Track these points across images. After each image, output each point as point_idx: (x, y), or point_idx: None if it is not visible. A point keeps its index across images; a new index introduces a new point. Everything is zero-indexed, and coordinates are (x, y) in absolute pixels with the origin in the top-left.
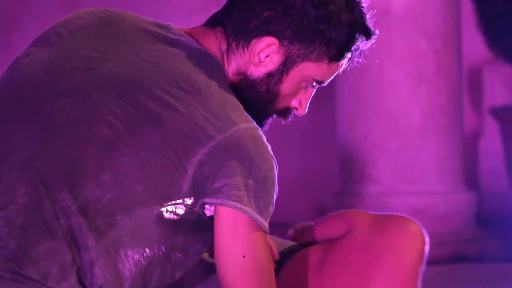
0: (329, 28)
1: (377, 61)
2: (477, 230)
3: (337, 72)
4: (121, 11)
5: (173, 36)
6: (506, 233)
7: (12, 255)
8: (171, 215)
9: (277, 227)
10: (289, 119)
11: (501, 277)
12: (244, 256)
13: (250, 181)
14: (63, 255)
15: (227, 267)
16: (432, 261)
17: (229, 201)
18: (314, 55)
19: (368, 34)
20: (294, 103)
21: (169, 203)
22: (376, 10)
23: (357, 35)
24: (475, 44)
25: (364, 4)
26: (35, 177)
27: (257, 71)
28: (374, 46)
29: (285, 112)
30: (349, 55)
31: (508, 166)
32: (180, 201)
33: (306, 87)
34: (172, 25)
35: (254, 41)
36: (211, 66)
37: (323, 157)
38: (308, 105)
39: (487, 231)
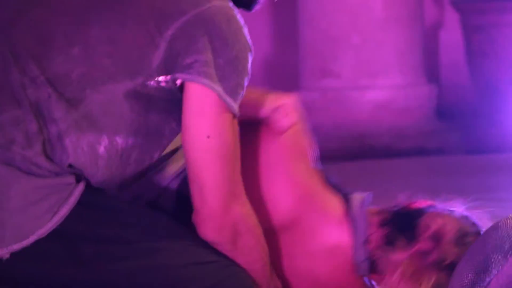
0: None
1: None
2: (437, 123)
3: None
4: None
5: None
6: (466, 125)
7: None
8: (143, 90)
9: (239, 123)
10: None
11: (461, 168)
12: (208, 136)
13: (220, 60)
14: (29, 123)
15: (191, 145)
16: (393, 154)
17: (198, 77)
18: None
19: None
20: None
21: (139, 78)
22: None
23: None
24: None
25: None
26: (5, 46)
27: None
28: None
29: None
30: None
31: (468, 59)
32: (151, 76)
33: None
34: None
35: None
36: None
37: (285, 53)
38: None
39: (447, 124)
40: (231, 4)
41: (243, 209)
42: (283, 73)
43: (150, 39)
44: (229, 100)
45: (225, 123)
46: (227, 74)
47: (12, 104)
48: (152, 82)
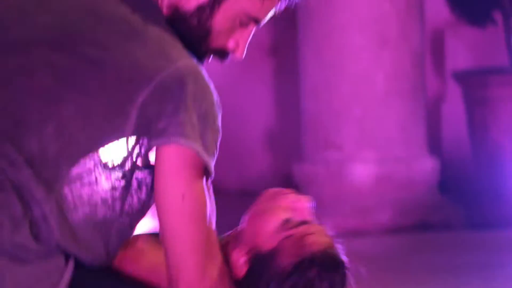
0: None
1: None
2: (440, 197)
3: (272, 10)
4: None
5: None
6: (469, 199)
7: None
8: (118, 162)
9: (245, 195)
10: (226, 60)
11: (464, 244)
12: (183, 196)
13: (193, 118)
14: (13, 207)
15: (166, 208)
16: (396, 229)
17: (176, 138)
18: None
19: None
20: (231, 43)
21: (114, 150)
22: None
23: None
24: (438, 7)
25: None
26: None
27: (188, 4)
28: (336, 12)
29: (222, 53)
30: None
31: (471, 132)
32: (125, 147)
33: (241, 26)
34: None
35: None
36: (147, 6)
37: (287, 125)
38: (246, 47)
39: (450, 198)
40: (194, 62)
41: (221, 271)
42: (286, 145)
43: (121, 109)
44: (206, 157)
45: (201, 183)
46: (202, 130)
47: None
48: (127, 153)
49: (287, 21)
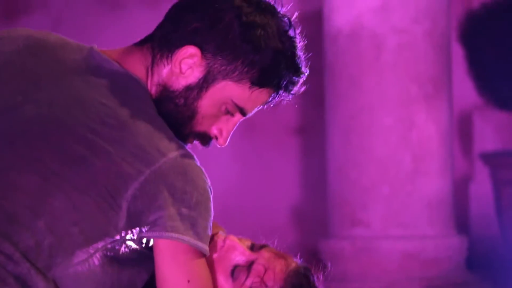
0: (253, 49)
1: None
2: (467, 274)
3: (260, 104)
4: (42, 36)
5: (95, 62)
6: (497, 277)
7: None
8: (112, 252)
9: None
10: (207, 146)
11: None
12: (189, 281)
13: (184, 210)
14: None
15: None
16: None
17: (166, 233)
18: (235, 74)
19: (296, 69)
20: (214, 130)
21: (108, 241)
22: (367, 57)
23: (282, 64)
24: (466, 90)
25: (298, 43)
26: None
27: (177, 83)
28: (365, 92)
29: (204, 137)
30: (274, 85)
31: (498, 211)
32: (118, 237)
33: (227, 113)
34: (95, 47)
35: (177, 50)
36: (135, 93)
37: (314, 201)
38: (229, 136)
39: (478, 276)
40: (184, 151)
41: None
42: (312, 221)
43: (112, 202)
44: (200, 245)
45: (200, 265)
46: (193, 221)
47: None
48: (120, 242)
49: (315, 100)
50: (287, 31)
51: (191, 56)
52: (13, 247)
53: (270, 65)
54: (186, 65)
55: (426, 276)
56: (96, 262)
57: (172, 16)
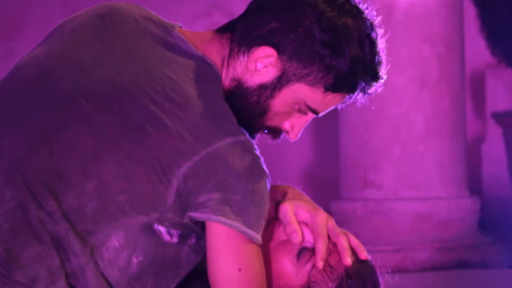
0: (331, 55)
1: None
2: (480, 236)
3: (334, 106)
4: (126, 7)
5: (173, 40)
6: (509, 239)
7: (1, 260)
8: (158, 225)
9: None
10: (277, 139)
11: (504, 283)
12: (240, 269)
13: (236, 196)
14: (51, 259)
15: (222, 281)
16: (435, 267)
17: (214, 216)
18: (310, 78)
19: (374, 75)
20: (286, 125)
21: (154, 214)
22: (379, 17)
23: (360, 72)
24: (478, 49)
25: (379, 47)
26: (21, 182)
27: (252, 80)
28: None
29: (275, 131)
30: (349, 90)
31: (511, 171)
32: (166, 212)
33: (300, 112)
34: (177, 26)
35: (255, 48)
36: (206, 74)
37: (325, 163)
38: (300, 132)
39: (490, 237)
40: (244, 137)
41: None
42: (324, 183)
43: (163, 177)
44: (250, 232)
45: (252, 253)
46: (245, 208)
47: (32, 240)
48: (167, 218)
49: None
50: (369, 34)
51: (267, 56)
52: (56, 205)
53: (346, 72)
54: (261, 64)
55: (438, 238)
56: (139, 230)
57: (254, 10)
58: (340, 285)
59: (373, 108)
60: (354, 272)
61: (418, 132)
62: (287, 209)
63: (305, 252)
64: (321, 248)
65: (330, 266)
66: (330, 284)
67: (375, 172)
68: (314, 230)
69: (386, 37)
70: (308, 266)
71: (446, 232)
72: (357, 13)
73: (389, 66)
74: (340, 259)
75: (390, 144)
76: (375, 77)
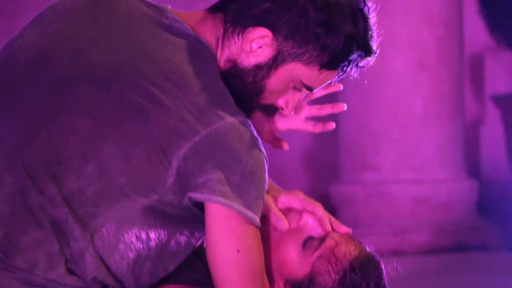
0: (326, 33)
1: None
2: (478, 218)
3: (329, 81)
4: None
5: (167, 21)
6: (507, 221)
7: (0, 245)
8: (158, 207)
9: None
10: (272, 116)
11: (502, 266)
12: (238, 251)
13: (235, 177)
14: (50, 244)
15: (220, 262)
16: (434, 250)
17: (214, 196)
18: (305, 57)
19: (367, 50)
20: (280, 102)
21: (155, 195)
22: None
23: (354, 49)
24: (477, 32)
25: (372, 20)
26: (20, 167)
27: (247, 61)
28: (377, 38)
29: (269, 109)
30: (342, 66)
31: (510, 155)
32: (166, 194)
33: (295, 89)
34: (169, 8)
35: (250, 29)
36: (203, 55)
37: (325, 146)
38: (294, 107)
39: (488, 220)
40: (243, 118)
41: None
42: (323, 166)
43: (163, 158)
44: (250, 214)
45: (251, 235)
46: (244, 189)
47: (32, 226)
48: (167, 200)
49: None
50: (362, 9)
51: (262, 36)
52: (57, 189)
53: (341, 49)
54: (256, 44)
55: (436, 221)
56: (139, 212)
57: None
58: (343, 277)
59: (372, 90)
60: (359, 266)
61: (417, 115)
62: (267, 199)
63: (311, 242)
64: (321, 211)
65: (336, 256)
66: (333, 276)
67: (374, 155)
68: (309, 206)
69: (385, 19)
70: (314, 256)
71: (444, 215)
72: None
73: (387, 48)
74: (346, 250)
75: (389, 127)
76: (369, 51)
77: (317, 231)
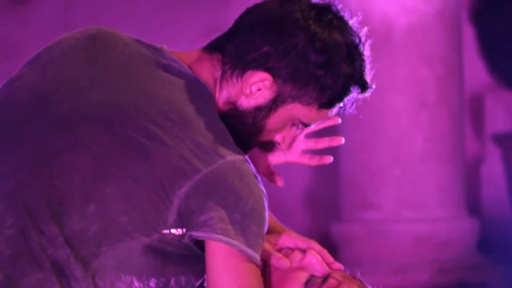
0: (325, 76)
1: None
2: (479, 257)
3: (326, 118)
4: (113, 31)
5: (165, 61)
6: (509, 260)
7: (1, 287)
8: (159, 246)
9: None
10: (270, 152)
11: None
12: None
13: (236, 215)
14: (51, 285)
15: None
16: None
17: (215, 235)
18: (305, 99)
19: (363, 87)
20: (278, 137)
21: (156, 234)
22: (377, 37)
23: (352, 87)
24: (476, 71)
25: (366, 55)
26: (21, 208)
27: (247, 103)
28: (374, 75)
29: (268, 144)
30: (340, 104)
31: (510, 193)
32: (167, 232)
33: (292, 126)
34: (165, 48)
35: (249, 72)
36: (201, 94)
37: (325, 184)
38: (291, 141)
39: (489, 258)
40: (242, 157)
41: None
42: (323, 205)
43: (164, 196)
44: (251, 252)
45: (251, 273)
46: (246, 227)
47: (33, 267)
48: (167, 238)
49: None
50: (357, 45)
51: (262, 80)
52: (58, 230)
53: (340, 90)
54: (256, 87)
55: (437, 259)
56: (140, 251)
57: (244, 32)
58: None
59: (372, 128)
60: None
61: (417, 153)
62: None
63: (314, 281)
64: (317, 246)
65: None
66: None
67: (374, 193)
68: (304, 244)
69: (385, 58)
70: None
71: (445, 253)
72: (344, 27)
73: (387, 86)
74: None
75: (389, 165)
76: (365, 88)
77: (319, 270)
